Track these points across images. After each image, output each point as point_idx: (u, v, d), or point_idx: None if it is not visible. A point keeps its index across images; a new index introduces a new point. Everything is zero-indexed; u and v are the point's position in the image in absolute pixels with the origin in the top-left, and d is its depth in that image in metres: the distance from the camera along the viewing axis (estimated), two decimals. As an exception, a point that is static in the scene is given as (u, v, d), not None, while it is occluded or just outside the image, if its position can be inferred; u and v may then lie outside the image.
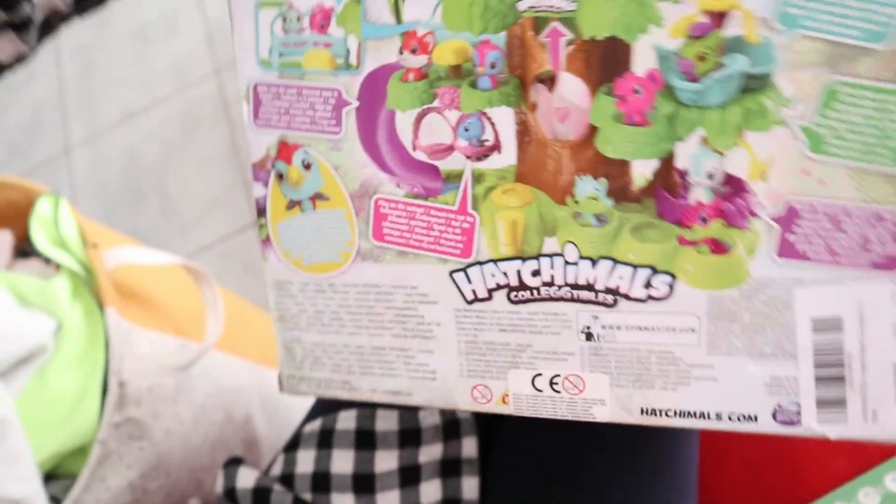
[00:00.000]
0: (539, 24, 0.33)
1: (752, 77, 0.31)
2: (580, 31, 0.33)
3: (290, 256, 0.40)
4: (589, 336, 0.36)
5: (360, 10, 0.35)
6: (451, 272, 0.37)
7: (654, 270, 0.34)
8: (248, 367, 0.69)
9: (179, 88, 1.57)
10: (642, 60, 0.32)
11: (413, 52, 0.35)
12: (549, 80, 0.34)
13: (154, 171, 1.51)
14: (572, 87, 0.33)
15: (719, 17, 0.31)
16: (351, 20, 0.35)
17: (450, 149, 0.36)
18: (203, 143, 1.49)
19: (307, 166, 0.38)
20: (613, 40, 0.32)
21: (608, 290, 0.35)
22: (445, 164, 0.36)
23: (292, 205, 0.39)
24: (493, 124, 0.35)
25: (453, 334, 0.38)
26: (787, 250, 0.32)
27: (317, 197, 0.38)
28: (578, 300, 0.36)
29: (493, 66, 0.34)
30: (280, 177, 0.39)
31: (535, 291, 0.36)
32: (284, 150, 0.38)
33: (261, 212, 0.40)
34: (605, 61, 0.33)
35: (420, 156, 0.36)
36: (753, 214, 0.32)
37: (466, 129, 0.35)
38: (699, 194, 0.33)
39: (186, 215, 1.45)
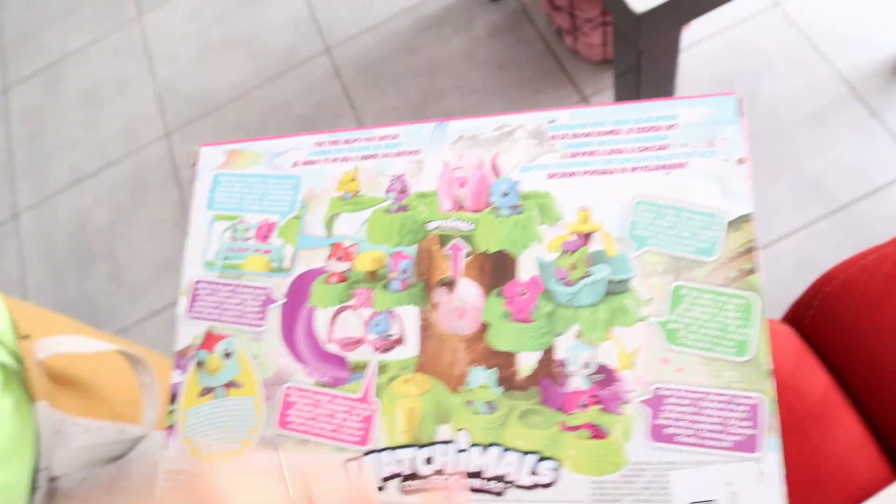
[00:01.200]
0: (444, 239, 0.40)
1: (616, 282, 0.37)
2: (476, 246, 0.40)
3: (190, 444, 0.40)
4: (478, 530, 0.35)
5: (300, 225, 0.42)
6: (346, 461, 0.38)
7: (540, 456, 0.36)
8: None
9: (129, 152, 1.56)
10: (526, 269, 0.38)
11: (338, 259, 0.41)
12: (450, 284, 0.39)
13: (103, 235, 1.47)
14: (469, 290, 0.39)
15: (586, 237, 0.38)
16: (290, 232, 0.42)
17: (360, 342, 0.40)
18: (152, 206, 1.46)
19: (227, 355, 0.41)
20: (503, 253, 0.39)
21: (496, 478, 0.36)
22: (354, 356, 0.39)
23: (206, 391, 0.41)
24: (400, 321, 0.39)
25: (341, 530, 0.37)
26: (658, 434, 0.35)
27: (231, 384, 0.40)
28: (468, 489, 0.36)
29: (403, 272, 0.40)
30: (200, 364, 0.41)
31: (426, 481, 0.37)
32: (209, 340, 0.41)
33: (173, 398, 0.41)
34: (496, 269, 0.39)
35: (332, 347, 0.40)
36: (625, 401, 0.35)
37: (377, 325, 0.40)
38: (578, 382, 0.36)
39: (136, 280, 1.40)
